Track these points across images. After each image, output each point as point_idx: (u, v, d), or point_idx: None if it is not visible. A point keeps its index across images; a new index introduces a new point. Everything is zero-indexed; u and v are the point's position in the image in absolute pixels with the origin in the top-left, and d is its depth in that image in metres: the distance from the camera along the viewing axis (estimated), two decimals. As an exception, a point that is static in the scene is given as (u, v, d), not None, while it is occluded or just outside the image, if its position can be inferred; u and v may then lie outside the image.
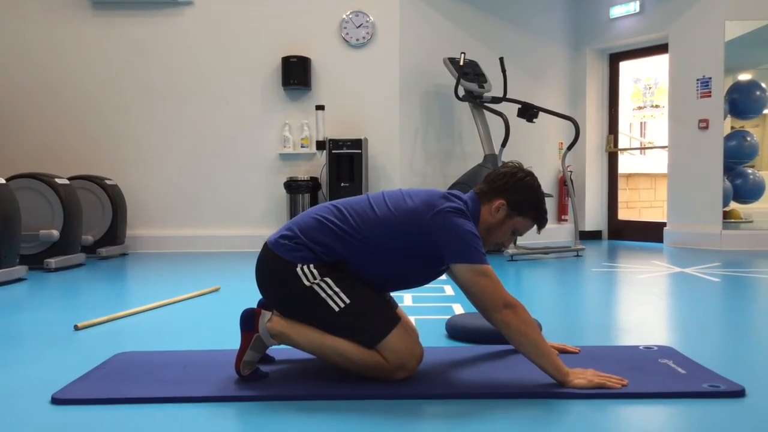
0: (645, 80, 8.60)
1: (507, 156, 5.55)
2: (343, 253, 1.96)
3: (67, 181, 5.29)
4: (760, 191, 6.95)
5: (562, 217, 7.23)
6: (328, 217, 2.00)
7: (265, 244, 2.04)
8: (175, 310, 3.28)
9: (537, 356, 1.87)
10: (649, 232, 6.99)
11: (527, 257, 5.49)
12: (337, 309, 1.91)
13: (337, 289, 1.92)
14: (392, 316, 1.96)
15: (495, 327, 1.93)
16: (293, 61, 6.19)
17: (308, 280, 1.93)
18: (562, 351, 2.24)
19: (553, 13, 7.30)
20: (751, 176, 6.92)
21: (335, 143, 5.97)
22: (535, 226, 2.09)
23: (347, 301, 1.91)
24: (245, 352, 1.94)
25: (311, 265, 1.94)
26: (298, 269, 1.93)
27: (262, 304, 2.14)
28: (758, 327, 2.96)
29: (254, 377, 1.95)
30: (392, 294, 2.25)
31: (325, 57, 6.31)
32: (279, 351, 2.15)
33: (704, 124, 6.23)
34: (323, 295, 1.92)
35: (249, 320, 1.96)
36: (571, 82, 7.41)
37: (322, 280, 1.92)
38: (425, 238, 1.94)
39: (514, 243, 5.21)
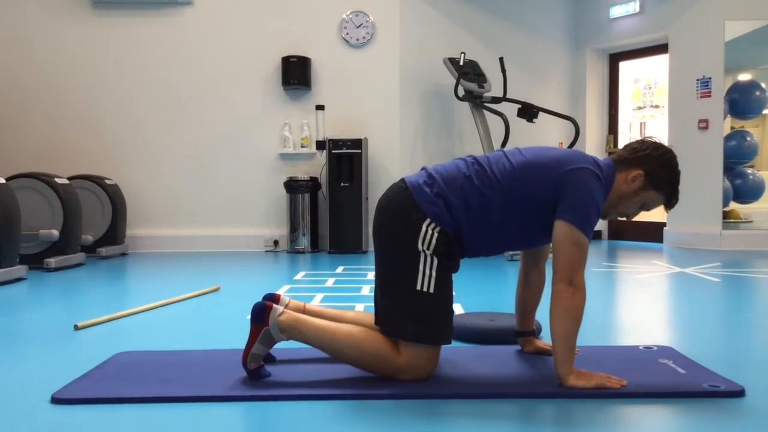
0: (645, 80, 8.59)
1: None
2: (476, 208, 1.93)
3: (67, 181, 5.29)
4: (759, 191, 6.95)
5: (562, 217, 7.22)
6: (468, 167, 1.99)
7: (405, 183, 2.02)
8: (175, 309, 3.28)
9: (560, 341, 1.86)
10: (649, 232, 6.99)
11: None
12: (418, 288, 1.90)
13: (434, 274, 1.91)
14: (448, 334, 1.96)
15: (552, 293, 1.90)
16: (293, 60, 6.19)
17: (423, 243, 1.91)
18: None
19: (553, 12, 7.30)
20: (751, 176, 6.92)
21: (335, 143, 5.97)
22: (663, 205, 2.06)
23: (432, 290, 1.90)
24: (254, 344, 1.94)
25: (437, 229, 1.92)
26: (425, 225, 1.92)
27: (269, 298, 2.14)
28: (758, 327, 2.96)
29: (258, 375, 1.95)
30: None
31: (325, 57, 6.31)
32: (280, 351, 2.15)
33: (704, 124, 6.23)
34: (421, 268, 1.91)
35: (260, 313, 1.95)
36: (571, 82, 7.41)
37: (432, 255, 1.91)
38: (555, 189, 1.92)
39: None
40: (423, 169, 2.08)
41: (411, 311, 1.91)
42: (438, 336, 1.93)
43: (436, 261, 1.91)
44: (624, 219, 2.12)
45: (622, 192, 2.01)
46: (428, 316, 1.91)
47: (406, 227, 1.93)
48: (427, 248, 1.91)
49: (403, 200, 1.97)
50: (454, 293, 2.00)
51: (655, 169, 1.99)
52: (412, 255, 1.91)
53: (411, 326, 1.91)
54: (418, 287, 1.90)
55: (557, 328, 1.87)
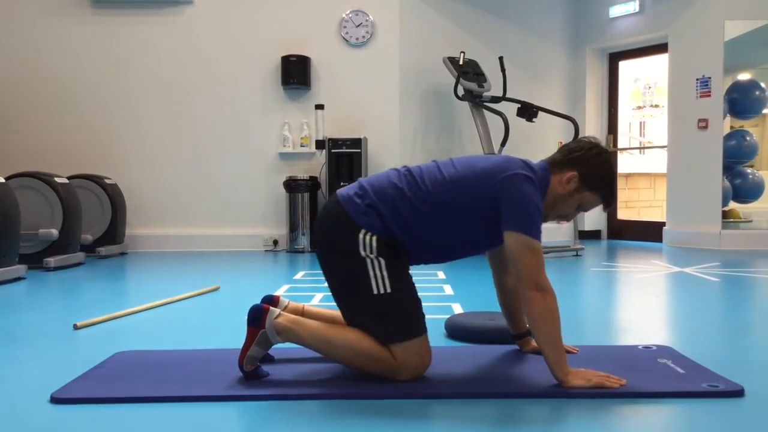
0: (644, 80, 8.59)
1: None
2: (410, 218, 1.94)
3: (67, 180, 5.28)
4: (759, 191, 6.95)
5: (562, 216, 7.22)
6: (400, 178, 1.99)
7: (336, 197, 2.02)
8: (174, 309, 3.28)
9: (547, 345, 1.86)
10: (649, 232, 6.99)
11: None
12: (375, 292, 1.90)
13: (385, 274, 1.91)
14: (421, 325, 1.95)
15: (520, 303, 1.91)
16: (293, 60, 6.19)
17: (364, 250, 1.91)
18: (562, 350, 2.23)
19: (552, 12, 7.30)
20: (751, 176, 6.92)
21: (335, 142, 5.97)
22: (600, 205, 2.06)
23: (389, 290, 1.90)
24: (250, 347, 1.94)
25: (374, 237, 1.92)
26: (360, 235, 1.92)
27: (267, 300, 2.14)
28: (758, 327, 2.96)
29: (255, 375, 1.95)
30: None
31: (325, 56, 6.31)
32: (279, 351, 2.14)
33: (704, 124, 6.23)
34: (371, 272, 1.91)
35: (256, 315, 1.95)
36: (570, 81, 7.41)
37: (377, 258, 1.91)
38: (491, 200, 1.92)
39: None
40: (357, 181, 2.09)
41: (376, 315, 1.91)
42: (410, 330, 1.92)
43: (383, 261, 1.91)
44: (563, 222, 2.13)
45: (558, 194, 2.01)
46: (394, 315, 1.91)
47: (344, 239, 1.94)
48: (371, 252, 1.91)
49: (337, 214, 1.98)
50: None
51: (590, 169, 1.99)
52: (358, 263, 1.92)
53: (381, 328, 1.91)
54: (375, 291, 1.90)
55: (540, 335, 1.88)
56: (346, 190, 2.03)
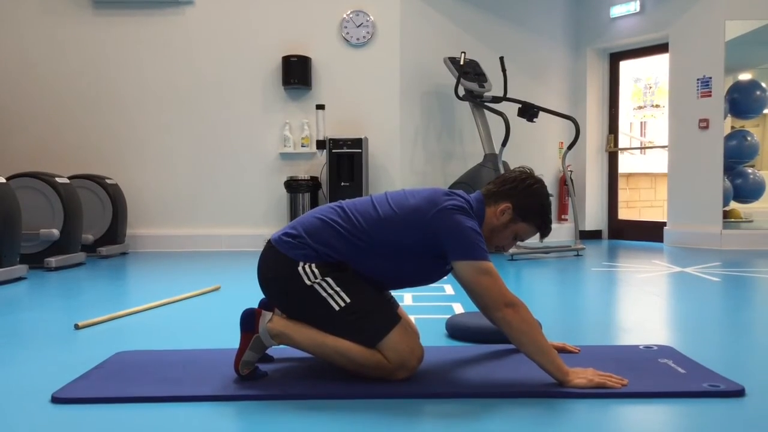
0: (645, 80, 8.60)
1: (507, 155, 5.57)
2: (347, 254, 1.96)
3: (68, 180, 5.29)
4: (760, 191, 6.95)
5: (563, 216, 7.23)
6: (332, 217, 2.00)
7: (269, 242, 2.04)
8: (175, 309, 3.28)
9: (538, 355, 1.87)
10: (649, 232, 6.99)
11: (527, 256, 5.49)
12: (337, 308, 1.91)
13: (337, 289, 1.92)
14: (393, 315, 1.97)
15: (496, 325, 1.93)
16: (294, 60, 6.19)
17: (309, 279, 1.93)
18: (562, 350, 2.24)
19: (553, 12, 7.30)
20: (752, 176, 6.92)
21: (335, 143, 5.97)
22: (537, 234, 2.09)
23: (347, 300, 1.91)
24: (244, 352, 1.94)
25: (312, 264, 1.94)
26: (300, 268, 1.94)
27: (263, 305, 2.14)
28: (758, 327, 2.96)
29: (253, 377, 1.95)
30: (392, 293, 2.25)
31: (326, 56, 6.31)
32: (278, 350, 2.14)
33: (704, 124, 6.23)
34: (323, 294, 1.92)
35: (249, 320, 1.96)
36: (571, 81, 7.41)
37: (323, 280, 1.92)
38: (428, 235, 1.94)
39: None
40: (289, 224, 2.10)
41: (349, 328, 1.92)
42: (385, 323, 1.92)
43: (330, 279, 1.93)
44: (501, 251, 2.15)
45: (493, 225, 2.04)
46: (363, 320, 1.92)
47: (288, 279, 1.95)
48: (315, 278, 1.93)
49: (272, 257, 2.00)
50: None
51: (522, 201, 2.02)
52: (309, 293, 1.93)
53: (360, 336, 1.91)
54: (337, 307, 1.91)
55: (525, 348, 1.88)
56: (276, 233, 2.05)
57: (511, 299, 1.89)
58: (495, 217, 2.03)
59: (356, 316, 1.91)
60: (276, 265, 1.99)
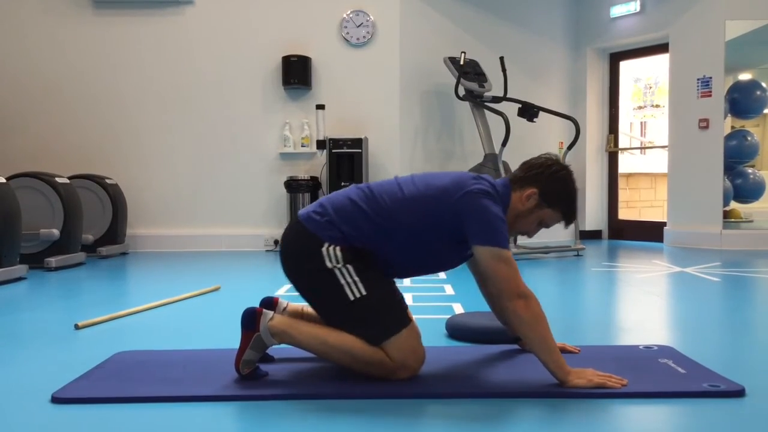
0: (645, 80, 8.60)
1: (507, 155, 5.56)
2: (371, 236, 1.95)
3: (68, 180, 5.29)
4: (760, 191, 6.95)
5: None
6: (359, 196, 2.00)
7: (297, 217, 2.04)
8: (175, 309, 3.28)
9: (541, 351, 1.87)
10: (650, 232, 6.99)
11: (527, 256, 5.49)
12: (351, 298, 1.91)
13: (356, 278, 1.92)
14: (404, 316, 1.96)
15: (506, 315, 1.92)
16: (294, 60, 6.19)
17: (330, 262, 1.92)
18: (562, 350, 2.22)
19: (553, 12, 7.30)
20: (752, 176, 6.92)
21: (335, 142, 5.97)
22: (562, 222, 2.07)
23: (364, 292, 1.91)
24: (245, 351, 1.94)
25: (337, 248, 1.93)
26: (324, 249, 1.93)
27: (264, 303, 2.14)
28: (758, 327, 2.96)
29: (254, 376, 1.95)
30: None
31: (326, 56, 6.31)
32: (279, 351, 2.14)
33: (704, 124, 6.23)
34: (341, 281, 1.91)
35: (250, 319, 1.96)
36: (571, 81, 7.41)
37: (345, 266, 1.92)
38: (452, 217, 1.93)
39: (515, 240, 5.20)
40: (317, 200, 2.10)
41: (359, 320, 1.92)
42: (395, 323, 1.92)
43: (351, 267, 1.92)
44: (526, 236, 2.13)
45: (518, 210, 2.03)
46: (375, 315, 1.92)
47: (309, 256, 1.95)
48: (337, 263, 1.92)
49: (298, 233, 2.00)
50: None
51: (549, 186, 2.01)
52: (328, 276, 1.92)
53: (368, 331, 1.91)
54: (351, 297, 1.91)
55: (531, 342, 1.88)
56: (305, 209, 2.05)
57: (524, 291, 1.88)
58: (520, 202, 2.02)
59: (368, 310, 1.91)
60: (300, 242, 1.98)
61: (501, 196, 2.00)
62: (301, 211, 2.05)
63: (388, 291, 1.98)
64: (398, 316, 1.95)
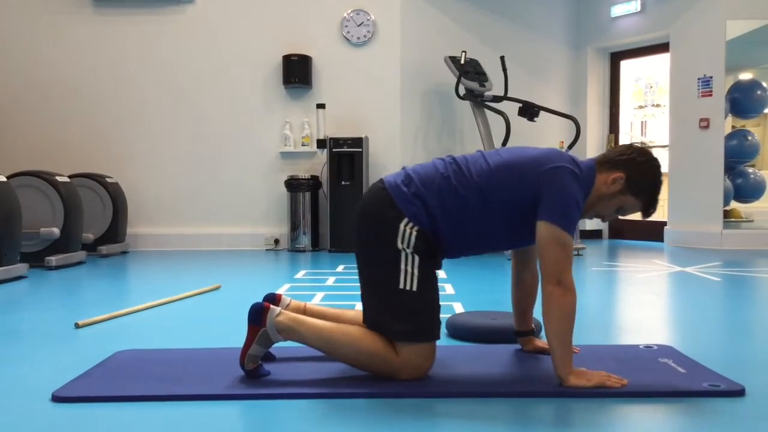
0: (646, 79, 8.59)
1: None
2: (455, 207, 1.94)
3: (68, 179, 5.29)
4: (760, 190, 6.94)
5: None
6: (445, 167, 2.00)
7: (382, 183, 2.02)
8: (175, 308, 3.28)
9: (557, 340, 1.86)
10: (650, 232, 6.98)
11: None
12: (401, 287, 1.91)
13: (415, 271, 1.92)
14: (437, 330, 1.97)
15: (541, 296, 1.91)
16: (294, 59, 6.19)
17: (402, 241, 1.92)
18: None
19: (554, 11, 7.29)
20: (752, 175, 6.91)
21: (336, 142, 5.97)
22: (639, 211, 2.05)
23: (415, 288, 1.91)
24: (251, 346, 1.94)
25: (415, 228, 1.93)
26: (402, 225, 1.93)
27: (269, 299, 2.13)
28: (758, 326, 2.96)
29: (257, 374, 1.95)
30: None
31: (326, 55, 6.31)
32: (280, 350, 2.15)
33: (705, 124, 6.22)
34: (402, 266, 1.91)
35: (257, 314, 1.95)
36: (572, 80, 7.40)
37: (412, 254, 1.92)
38: (534, 189, 1.92)
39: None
40: (403, 168, 2.08)
41: (396, 310, 1.92)
42: (426, 333, 1.93)
43: (417, 259, 1.92)
44: (600, 220, 2.12)
45: (601, 193, 2.01)
46: (413, 315, 1.92)
47: (385, 226, 1.94)
48: (407, 246, 1.92)
49: (382, 199, 1.98)
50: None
51: (637, 174, 1.99)
52: (392, 254, 1.92)
53: (398, 325, 1.91)
54: (401, 286, 1.91)
55: (551, 330, 1.87)
56: (392, 176, 2.04)
57: (566, 281, 1.87)
58: (605, 185, 1.99)
59: (411, 307, 1.91)
60: (381, 208, 1.97)
61: (585, 177, 1.98)
62: (388, 178, 2.04)
63: (434, 298, 1.98)
64: (432, 327, 1.96)
